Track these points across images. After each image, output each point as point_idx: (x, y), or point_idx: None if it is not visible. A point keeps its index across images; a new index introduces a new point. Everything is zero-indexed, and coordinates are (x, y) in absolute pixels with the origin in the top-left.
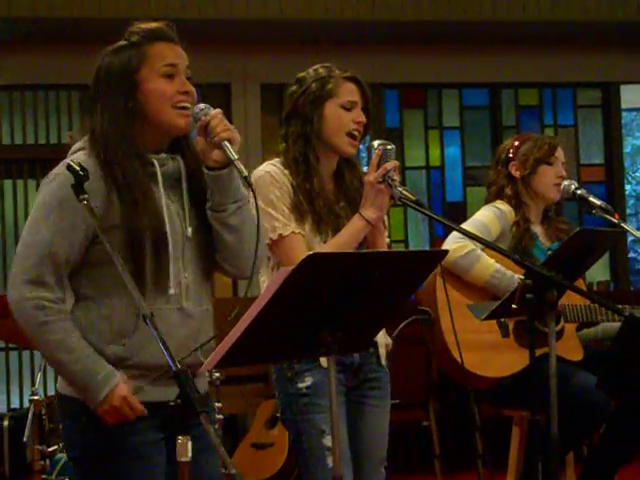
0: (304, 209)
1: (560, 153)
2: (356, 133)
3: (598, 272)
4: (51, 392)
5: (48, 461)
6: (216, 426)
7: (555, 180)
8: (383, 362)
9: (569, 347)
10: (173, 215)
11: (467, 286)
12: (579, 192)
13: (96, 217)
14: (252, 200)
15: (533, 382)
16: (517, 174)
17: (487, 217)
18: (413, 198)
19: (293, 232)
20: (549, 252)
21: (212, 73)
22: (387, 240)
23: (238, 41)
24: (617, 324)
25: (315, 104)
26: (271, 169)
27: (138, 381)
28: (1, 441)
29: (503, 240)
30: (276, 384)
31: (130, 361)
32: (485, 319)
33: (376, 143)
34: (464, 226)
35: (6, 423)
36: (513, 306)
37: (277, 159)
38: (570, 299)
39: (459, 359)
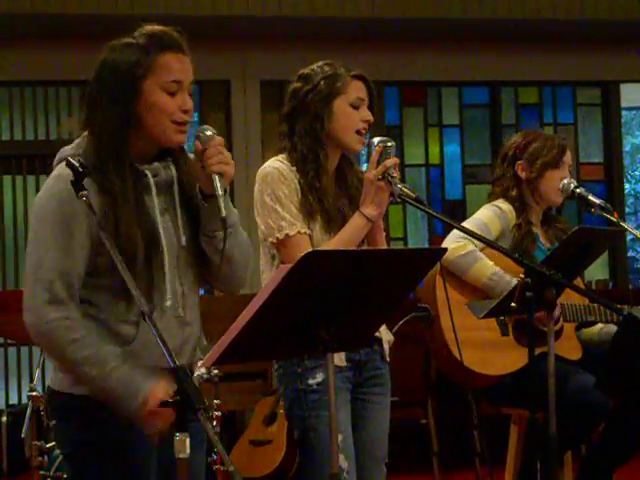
0: (314, 209)
1: (568, 156)
2: (363, 131)
3: (597, 271)
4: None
5: (46, 457)
6: (214, 423)
7: (559, 185)
8: (387, 358)
9: (568, 346)
10: (167, 224)
11: (466, 284)
12: (578, 191)
13: (96, 214)
14: (228, 240)
15: (532, 381)
16: (523, 175)
17: (487, 216)
18: (413, 195)
19: (299, 232)
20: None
21: (212, 70)
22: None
23: (238, 38)
24: (616, 327)
25: (325, 101)
26: (279, 165)
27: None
28: None
29: (503, 239)
30: (282, 380)
31: (130, 362)
32: (484, 317)
33: (376, 140)
34: (464, 225)
35: (4, 419)
36: (512, 304)
37: (282, 155)
38: (569, 298)
39: (458, 357)
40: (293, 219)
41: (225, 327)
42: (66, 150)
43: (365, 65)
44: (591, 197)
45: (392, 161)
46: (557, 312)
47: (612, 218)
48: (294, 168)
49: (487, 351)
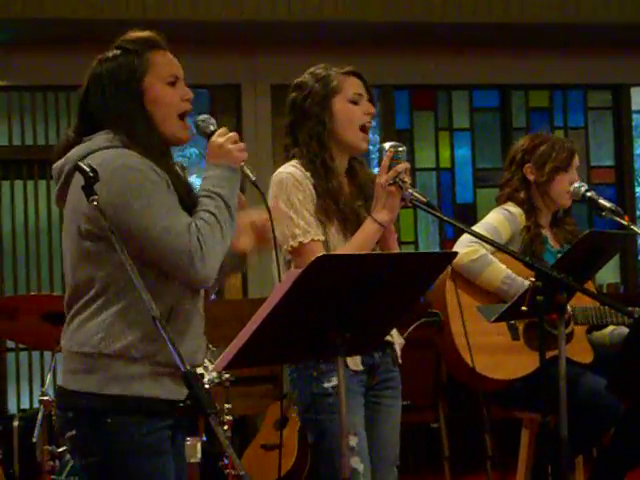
0: (330, 210)
1: (577, 159)
2: (368, 125)
3: (608, 274)
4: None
5: (58, 461)
6: (225, 427)
7: (569, 188)
8: (399, 359)
9: (579, 350)
10: None
11: (477, 289)
12: (589, 194)
13: (107, 219)
14: (264, 205)
15: (543, 384)
16: (531, 178)
17: (498, 220)
18: (424, 200)
19: (313, 239)
20: (559, 255)
21: (222, 74)
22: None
23: (248, 42)
24: (627, 330)
25: (323, 103)
26: (293, 171)
27: (162, 377)
28: (11, 441)
29: (513, 243)
30: (296, 384)
31: (157, 357)
32: (495, 321)
33: (387, 145)
34: (475, 229)
35: (16, 423)
36: (523, 308)
37: (295, 161)
38: (580, 301)
39: (469, 362)
40: (307, 226)
41: (236, 331)
42: (94, 144)
43: (375, 69)
44: (602, 201)
45: (403, 166)
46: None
47: (623, 221)
48: (308, 173)
49: (498, 355)
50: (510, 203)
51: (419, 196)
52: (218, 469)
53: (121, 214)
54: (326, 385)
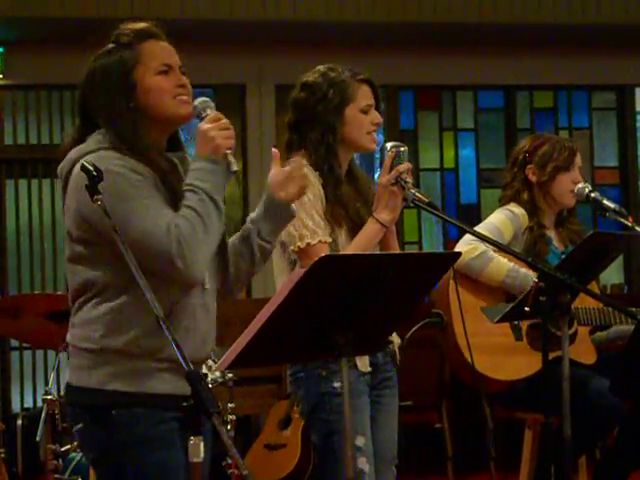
0: (341, 216)
1: (578, 158)
2: (374, 133)
3: (612, 275)
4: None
5: (61, 460)
6: (229, 427)
7: (572, 187)
8: (397, 361)
9: (582, 350)
10: None
11: (480, 289)
12: (593, 195)
13: (110, 218)
14: None
15: (546, 385)
16: (534, 178)
17: (500, 220)
18: (426, 200)
19: (320, 241)
20: (563, 256)
21: (227, 73)
22: None
23: (253, 42)
24: (629, 326)
25: (337, 111)
26: (305, 170)
27: (165, 373)
28: (15, 440)
29: (516, 243)
30: (303, 383)
31: (161, 354)
32: (498, 322)
33: (389, 145)
34: (477, 229)
35: (20, 422)
36: (526, 309)
37: (303, 159)
38: (583, 302)
39: (471, 362)
40: (315, 227)
41: (240, 331)
42: (89, 145)
43: (380, 69)
44: (606, 201)
45: (405, 166)
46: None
47: (627, 222)
48: (317, 173)
49: (501, 356)
50: (513, 204)
51: (421, 196)
52: (221, 469)
53: (104, 219)
54: (336, 385)
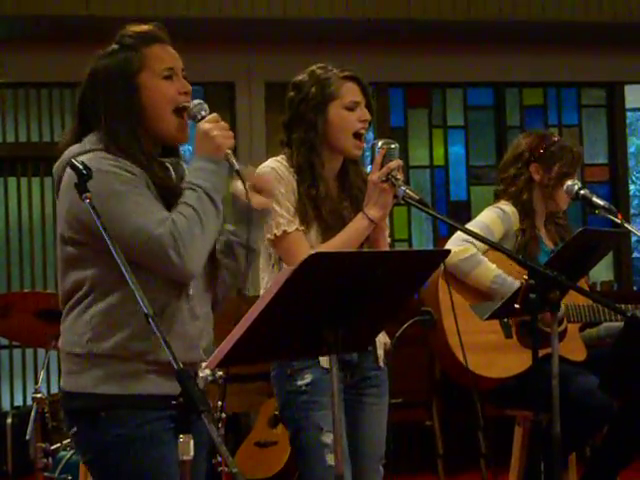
0: (309, 216)
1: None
2: (362, 132)
3: (602, 272)
4: (54, 390)
5: (51, 459)
6: (219, 425)
7: (565, 186)
8: (381, 363)
9: (572, 348)
10: None
11: (469, 287)
12: (582, 192)
13: (99, 215)
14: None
15: (536, 383)
16: (537, 178)
17: (490, 218)
18: (417, 197)
19: (297, 229)
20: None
21: (216, 72)
22: (388, 240)
23: (243, 40)
24: (619, 324)
25: (318, 109)
26: (276, 165)
27: (154, 375)
28: (4, 439)
29: (506, 241)
30: (275, 382)
31: (149, 356)
32: (488, 319)
33: (380, 142)
34: (467, 227)
35: (9, 421)
36: (516, 306)
37: (282, 156)
38: (573, 299)
39: (462, 360)
40: (290, 217)
41: (229, 329)
42: (83, 146)
43: (370, 67)
44: (595, 199)
45: (396, 163)
46: (561, 313)
47: (616, 219)
48: (292, 169)
49: (491, 353)
50: (504, 202)
51: (412, 193)
52: (211, 467)
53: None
54: (299, 383)
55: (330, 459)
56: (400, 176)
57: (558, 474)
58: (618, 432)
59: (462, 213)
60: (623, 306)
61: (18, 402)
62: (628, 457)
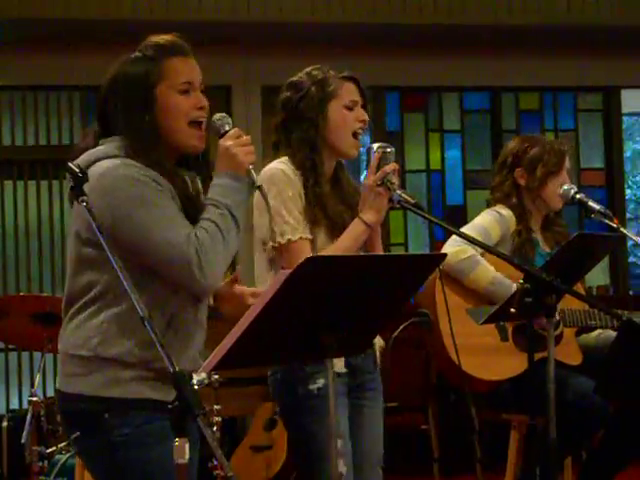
0: (318, 216)
1: (567, 161)
2: (360, 132)
3: (598, 276)
4: (50, 393)
5: (46, 462)
6: (214, 428)
7: (559, 190)
8: (378, 364)
9: (568, 351)
10: None
11: (466, 290)
12: (578, 196)
13: (95, 219)
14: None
15: (532, 386)
16: (522, 182)
17: (487, 221)
18: (412, 201)
19: (301, 237)
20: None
21: (213, 75)
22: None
23: (239, 43)
24: (614, 333)
25: (319, 107)
26: (284, 167)
27: (156, 382)
28: (0, 442)
29: (503, 245)
30: (280, 386)
31: (154, 364)
32: (484, 323)
33: (375, 146)
34: (464, 230)
35: (5, 424)
36: (512, 310)
37: (285, 158)
38: (569, 303)
39: (457, 362)
40: (296, 223)
41: (225, 332)
42: (108, 151)
43: (366, 70)
44: (591, 203)
45: (391, 167)
46: (556, 317)
47: (612, 224)
48: (298, 172)
49: (487, 356)
50: (500, 205)
51: (407, 197)
52: (207, 470)
53: (120, 225)
54: (311, 387)
55: (339, 465)
56: (395, 180)
57: (554, 478)
58: (614, 436)
59: (458, 217)
60: (619, 311)
61: (14, 405)
62: (624, 461)
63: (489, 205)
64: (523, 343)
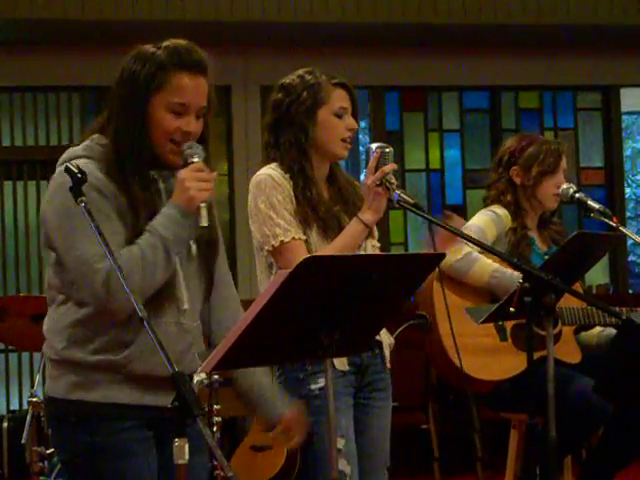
0: (310, 217)
1: (564, 161)
2: (349, 139)
3: (597, 275)
4: None
5: (46, 463)
6: (214, 428)
7: (556, 190)
8: (387, 364)
9: (567, 350)
10: None
11: (465, 290)
12: (577, 195)
13: (94, 220)
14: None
15: (531, 385)
16: (517, 180)
17: (483, 221)
18: (411, 201)
19: (294, 238)
20: (546, 257)
21: (212, 75)
22: (377, 244)
23: (238, 43)
24: (614, 331)
25: (309, 112)
26: (272, 173)
27: (127, 385)
28: (0, 443)
29: (499, 244)
30: (283, 386)
31: (124, 369)
32: (483, 322)
33: (374, 146)
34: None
35: (5, 425)
36: (511, 309)
37: (275, 163)
38: (568, 302)
39: (457, 363)
40: (287, 225)
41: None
42: (77, 151)
43: (365, 70)
44: (590, 202)
45: (390, 167)
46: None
47: (611, 223)
48: (287, 175)
49: (486, 356)
50: (496, 205)
51: (406, 197)
52: (209, 470)
53: (51, 231)
54: (313, 387)
55: (341, 464)
56: (394, 180)
57: (554, 477)
58: (614, 434)
59: (458, 216)
60: (618, 309)
61: (14, 406)
62: (624, 459)
63: (485, 202)
64: (522, 342)
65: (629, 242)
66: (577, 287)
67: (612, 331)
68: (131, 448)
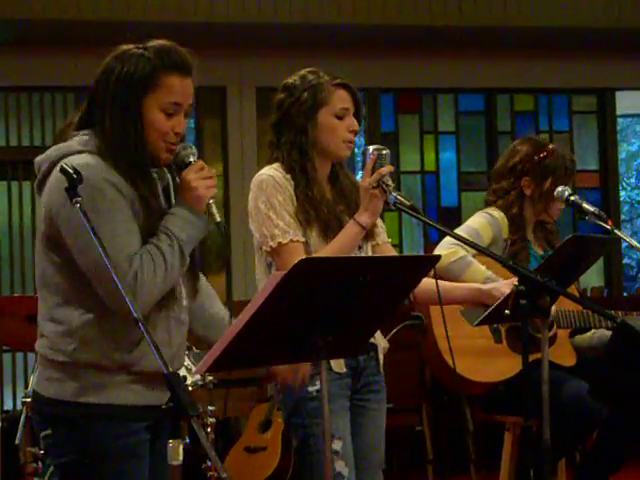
0: (311, 217)
1: (575, 177)
2: (350, 142)
3: (592, 278)
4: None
5: (40, 464)
6: (208, 429)
7: (562, 205)
8: (381, 367)
9: (562, 353)
10: None
11: None
12: (572, 198)
13: (90, 221)
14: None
15: (526, 388)
16: (528, 192)
17: (480, 224)
18: (408, 203)
19: (291, 240)
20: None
21: (208, 76)
22: (389, 240)
23: (234, 44)
24: (607, 333)
25: (309, 113)
26: (273, 173)
27: (137, 385)
28: None
29: (495, 247)
30: (282, 389)
31: (134, 367)
32: (478, 325)
33: (371, 148)
34: (456, 232)
35: None
36: (506, 312)
37: (277, 164)
38: (563, 305)
39: (452, 365)
40: (286, 227)
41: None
42: (72, 146)
43: (361, 72)
44: (585, 205)
45: (387, 169)
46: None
47: (606, 226)
48: (288, 176)
49: (481, 358)
50: (493, 207)
51: (403, 199)
52: (201, 471)
53: (67, 228)
54: (310, 389)
55: (339, 466)
56: (391, 182)
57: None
58: (608, 437)
59: (453, 219)
60: (613, 312)
61: (8, 406)
62: (618, 462)
63: (487, 205)
64: (517, 345)
65: (624, 245)
66: (573, 290)
67: (604, 332)
68: (136, 450)
